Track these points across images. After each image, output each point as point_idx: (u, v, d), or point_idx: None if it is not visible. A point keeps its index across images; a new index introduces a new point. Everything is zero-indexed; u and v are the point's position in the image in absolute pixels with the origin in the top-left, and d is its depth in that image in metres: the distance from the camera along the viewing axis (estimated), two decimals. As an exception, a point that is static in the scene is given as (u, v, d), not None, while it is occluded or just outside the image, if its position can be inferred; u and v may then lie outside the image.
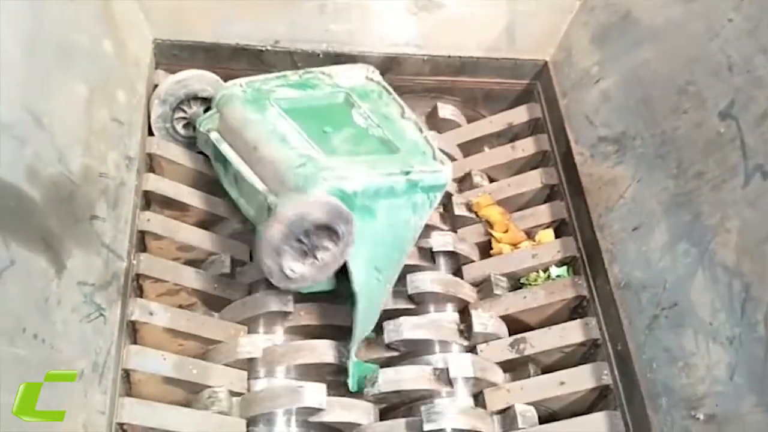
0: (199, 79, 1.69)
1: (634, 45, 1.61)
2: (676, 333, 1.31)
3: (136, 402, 1.32)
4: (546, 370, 1.54)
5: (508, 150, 1.86)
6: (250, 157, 1.52)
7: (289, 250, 1.36)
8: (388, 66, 1.86)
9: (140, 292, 1.48)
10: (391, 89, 1.78)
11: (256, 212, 1.51)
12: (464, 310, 1.63)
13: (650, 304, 1.38)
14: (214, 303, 1.57)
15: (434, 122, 1.96)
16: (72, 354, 1.18)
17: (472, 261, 1.70)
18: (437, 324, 1.57)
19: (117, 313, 1.33)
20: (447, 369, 1.47)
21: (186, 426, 1.34)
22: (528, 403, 1.46)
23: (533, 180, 1.79)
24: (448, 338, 1.55)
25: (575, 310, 1.61)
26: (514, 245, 1.71)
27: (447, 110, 1.96)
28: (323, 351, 1.49)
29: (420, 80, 1.92)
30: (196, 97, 1.69)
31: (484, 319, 1.56)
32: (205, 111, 1.67)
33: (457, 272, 1.70)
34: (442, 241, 1.67)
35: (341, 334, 1.53)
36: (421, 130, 1.68)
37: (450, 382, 1.47)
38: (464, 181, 1.86)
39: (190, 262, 1.59)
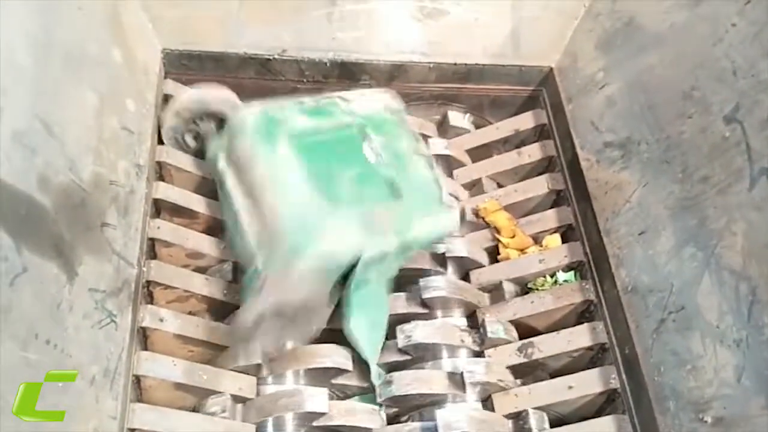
0: (217, 100, 1.69)
1: (638, 51, 1.61)
2: (683, 336, 1.31)
3: (146, 407, 1.34)
4: (554, 374, 1.54)
5: (515, 156, 1.87)
6: (251, 193, 1.52)
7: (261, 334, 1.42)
8: (395, 74, 1.87)
9: (150, 299, 1.49)
10: (406, 120, 1.76)
11: (243, 257, 1.51)
12: (471, 315, 1.64)
13: (657, 307, 1.38)
14: (223, 309, 1.58)
15: (444, 129, 1.97)
16: (83, 360, 1.19)
17: (482, 266, 1.71)
18: (449, 328, 1.58)
19: (128, 320, 1.35)
20: (461, 373, 1.48)
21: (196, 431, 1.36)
22: (537, 408, 1.47)
23: (540, 185, 1.79)
24: (459, 343, 1.56)
25: (583, 314, 1.61)
26: (521, 250, 1.72)
27: (458, 118, 1.97)
28: (330, 355, 1.50)
29: (426, 87, 1.93)
30: (209, 114, 1.70)
31: (498, 325, 1.57)
32: (218, 127, 1.67)
33: (465, 277, 1.71)
34: (456, 246, 1.67)
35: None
36: (432, 167, 1.68)
37: (463, 386, 1.48)
38: (473, 188, 1.87)
39: (200, 269, 1.60)
